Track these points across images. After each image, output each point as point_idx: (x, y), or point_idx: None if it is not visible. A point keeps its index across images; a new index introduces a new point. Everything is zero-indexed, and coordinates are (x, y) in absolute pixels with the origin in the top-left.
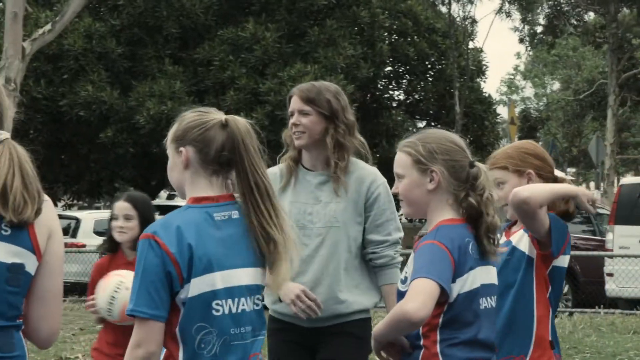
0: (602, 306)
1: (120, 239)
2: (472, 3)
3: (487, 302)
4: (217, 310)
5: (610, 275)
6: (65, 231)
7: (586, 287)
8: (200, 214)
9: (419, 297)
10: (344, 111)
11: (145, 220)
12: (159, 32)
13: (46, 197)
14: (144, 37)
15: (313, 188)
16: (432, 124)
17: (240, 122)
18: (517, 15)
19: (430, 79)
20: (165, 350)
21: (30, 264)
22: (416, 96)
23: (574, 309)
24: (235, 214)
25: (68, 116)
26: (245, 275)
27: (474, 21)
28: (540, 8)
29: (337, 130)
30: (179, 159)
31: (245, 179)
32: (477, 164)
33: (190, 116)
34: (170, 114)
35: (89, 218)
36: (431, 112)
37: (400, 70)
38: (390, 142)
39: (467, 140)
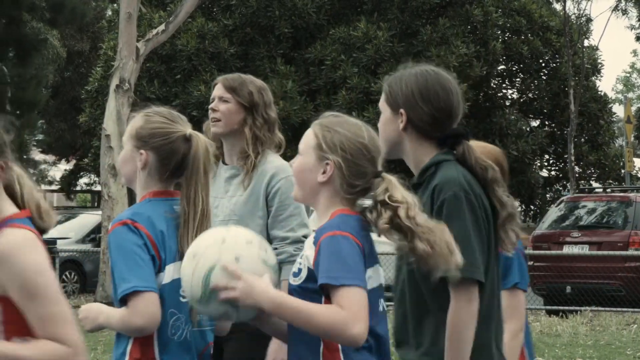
0: None
1: None
2: (587, 0)
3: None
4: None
5: None
6: None
7: None
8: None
9: None
10: (266, 106)
11: None
12: (271, 32)
13: None
14: (256, 37)
15: (223, 181)
16: (546, 122)
17: (202, 139)
18: (633, 13)
19: (544, 78)
20: None
21: None
22: (530, 95)
23: None
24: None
25: None
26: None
27: (589, 19)
28: None
29: (255, 123)
30: (137, 158)
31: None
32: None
33: (157, 120)
34: (282, 114)
35: None
36: (545, 111)
37: (514, 68)
38: (503, 142)
39: (582, 140)
